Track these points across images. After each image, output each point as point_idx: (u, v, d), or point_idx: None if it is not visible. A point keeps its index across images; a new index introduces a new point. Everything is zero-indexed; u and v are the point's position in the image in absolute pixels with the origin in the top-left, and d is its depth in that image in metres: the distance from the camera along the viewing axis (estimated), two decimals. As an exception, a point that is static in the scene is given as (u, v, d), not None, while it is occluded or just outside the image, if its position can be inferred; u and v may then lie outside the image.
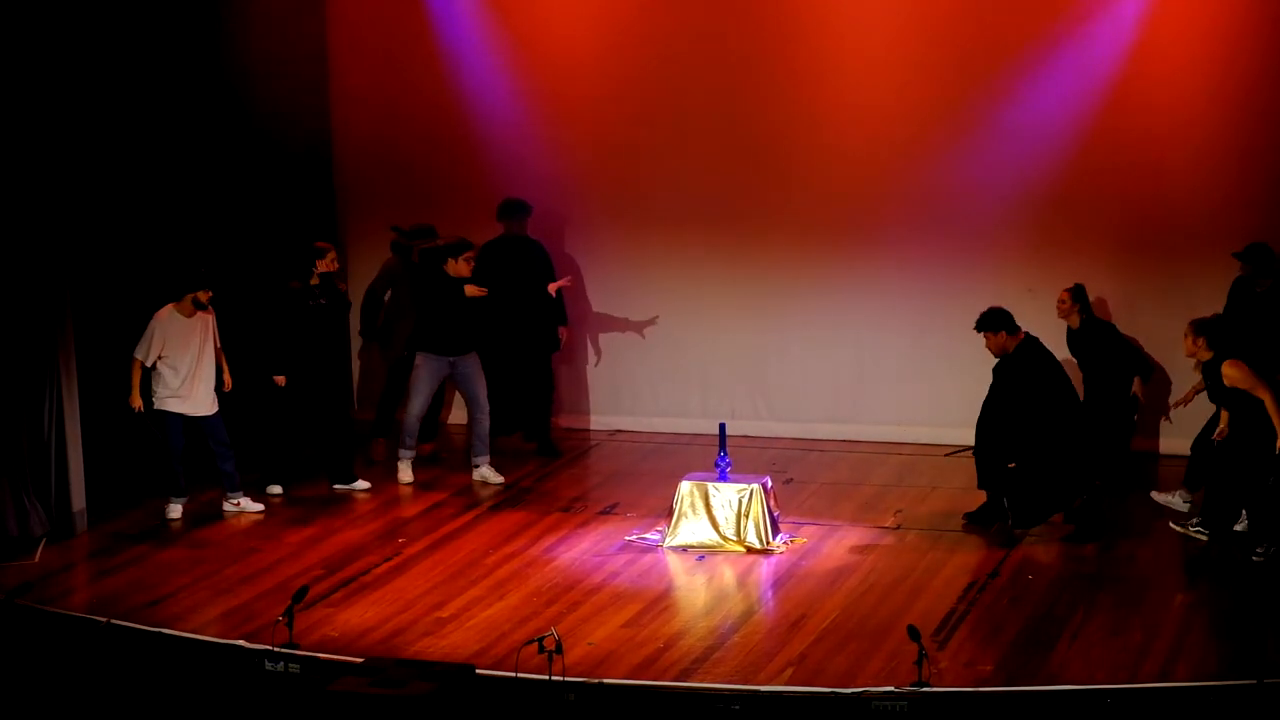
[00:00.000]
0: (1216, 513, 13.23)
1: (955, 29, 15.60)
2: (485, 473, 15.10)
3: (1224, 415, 13.26)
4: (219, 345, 14.15)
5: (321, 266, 14.65)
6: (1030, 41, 15.39)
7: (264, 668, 11.17)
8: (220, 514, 14.21)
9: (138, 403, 13.90)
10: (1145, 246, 14.94)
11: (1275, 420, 12.72)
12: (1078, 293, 14.56)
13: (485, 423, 15.08)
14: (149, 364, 13.90)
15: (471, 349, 15.04)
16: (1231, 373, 12.94)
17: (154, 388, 13.97)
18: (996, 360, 13.60)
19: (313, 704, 10.36)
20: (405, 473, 15.11)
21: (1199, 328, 13.16)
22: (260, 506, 14.34)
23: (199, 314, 13.98)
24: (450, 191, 16.73)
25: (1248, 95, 15.06)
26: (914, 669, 10.61)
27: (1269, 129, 15.04)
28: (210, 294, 13.97)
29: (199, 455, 14.20)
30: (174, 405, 13.96)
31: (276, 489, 14.75)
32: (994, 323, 13.45)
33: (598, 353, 16.81)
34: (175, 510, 14.16)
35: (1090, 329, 14.59)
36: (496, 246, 15.89)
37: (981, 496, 13.79)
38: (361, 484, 14.94)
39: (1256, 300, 14.26)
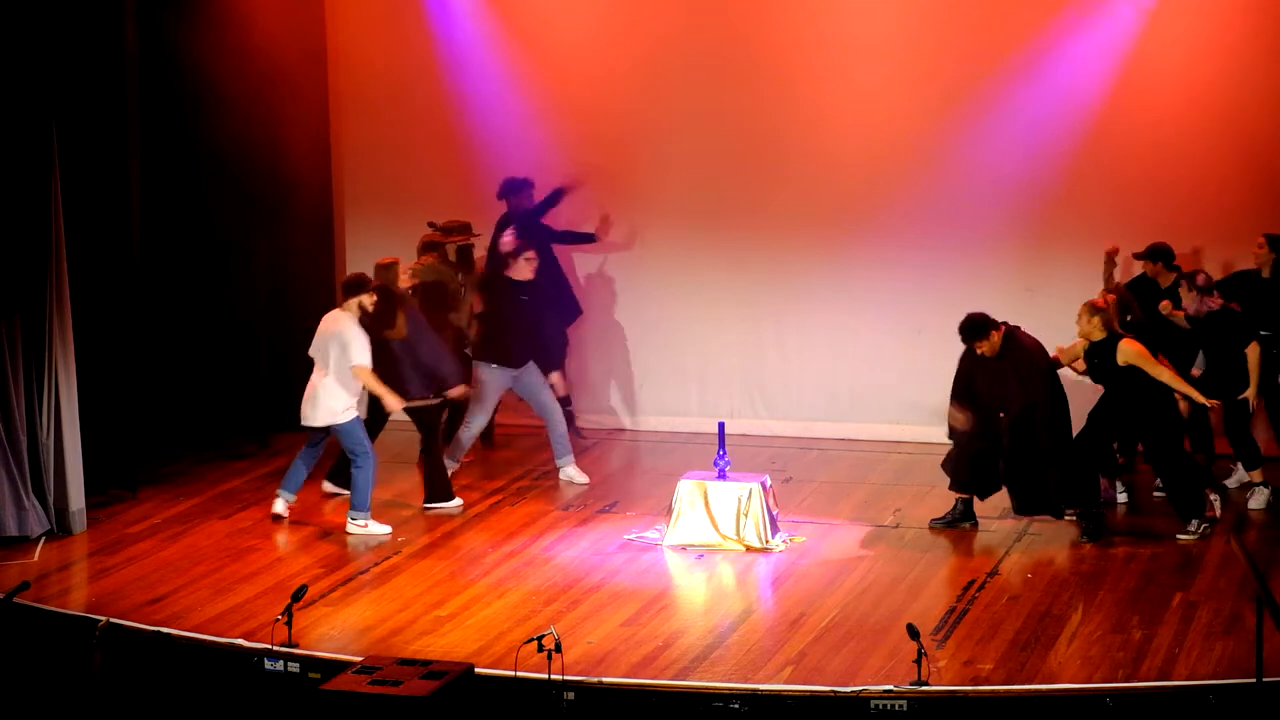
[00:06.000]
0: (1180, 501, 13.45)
1: (955, 28, 15.63)
2: (571, 473, 14.99)
3: None
4: None
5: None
6: (1030, 40, 15.42)
7: (263, 667, 11.17)
8: (213, 515, 14.18)
9: (396, 401, 13.66)
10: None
11: (1182, 387, 13.14)
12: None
13: (562, 425, 14.99)
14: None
15: (531, 358, 14.86)
16: (1130, 349, 13.09)
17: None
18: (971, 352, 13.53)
19: (312, 703, 10.35)
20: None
21: (1094, 309, 13.27)
22: (387, 529, 13.69)
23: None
24: (449, 192, 16.69)
25: (1251, 93, 15.08)
26: (913, 668, 10.61)
27: (1272, 127, 15.05)
28: (375, 298, 13.67)
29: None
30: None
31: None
32: (980, 330, 13.36)
33: (598, 352, 16.82)
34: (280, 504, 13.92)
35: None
36: (505, 225, 15.73)
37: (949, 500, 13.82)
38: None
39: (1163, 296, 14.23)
